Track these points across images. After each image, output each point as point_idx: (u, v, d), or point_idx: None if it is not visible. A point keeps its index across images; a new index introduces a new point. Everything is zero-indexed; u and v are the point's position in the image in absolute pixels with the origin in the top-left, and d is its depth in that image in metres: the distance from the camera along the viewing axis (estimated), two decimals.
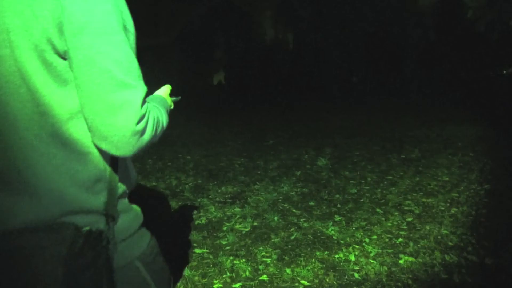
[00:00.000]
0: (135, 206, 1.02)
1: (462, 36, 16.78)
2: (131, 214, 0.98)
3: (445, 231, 3.28)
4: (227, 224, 3.58)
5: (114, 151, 0.83)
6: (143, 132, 0.84)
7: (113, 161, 0.91)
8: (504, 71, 17.06)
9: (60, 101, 0.82)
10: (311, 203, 4.08)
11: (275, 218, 3.66)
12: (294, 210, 3.89)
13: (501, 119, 9.60)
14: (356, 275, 2.67)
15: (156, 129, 0.89)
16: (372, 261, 2.84)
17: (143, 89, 0.85)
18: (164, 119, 0.97)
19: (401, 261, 2.82)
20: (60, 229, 0.81)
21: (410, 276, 2.64)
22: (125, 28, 0.84)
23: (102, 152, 0.87)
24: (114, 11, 0.82)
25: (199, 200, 4.23)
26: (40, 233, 0.81)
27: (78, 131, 0.84)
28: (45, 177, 0.82)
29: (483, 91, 16.47)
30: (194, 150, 6.97)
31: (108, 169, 0.90)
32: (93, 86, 0.79)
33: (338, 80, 20.33)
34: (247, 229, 3.45)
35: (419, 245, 3.05)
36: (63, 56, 0.80)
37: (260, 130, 9.63)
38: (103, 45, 0.79)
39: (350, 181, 4.83)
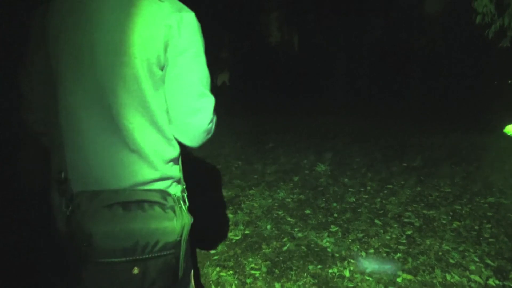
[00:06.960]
0: None
1: (470, 43, 16.55)
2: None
3: (446, 247, 3.10)
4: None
5: (187, 142, 1.14)
6: (210, 130, 1.15)
7: (182, 148, 1.19)
8: (510, 81, 16.84)
9: (156, 100, 1.08)
10: (307, 211, 3.90)
11: (268, 226, 3.49)
12: (288, 218, 3.71)
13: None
14: None
15: (214, 128, 1.18)
16: (368, 277, 2.66)
17: (214, 98, 1.14)
18: None
19: (399, 279, 2.64)
20: (159, 192, 1.08)
21: None
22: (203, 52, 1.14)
23: (178, 141, 1.16)
24: (201, 40, 1.12)
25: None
26: (147, 192, 1.06)
27: (165, 124, 1.11)
28: (147, 151, 1.08)
29: (490, 100, 16.26)
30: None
31: (180, 153, 1.19)
32: (181, 93, 1.08)
33: (342, 84, 20.17)
34: (237, 238, 3.29)
35: (418, 262, 2.87)
36: (161, 69, 1.07)
37: (262, 132, 9.48)
38: (193, 65, 1.09)
39: (349, 189, 4.65)
